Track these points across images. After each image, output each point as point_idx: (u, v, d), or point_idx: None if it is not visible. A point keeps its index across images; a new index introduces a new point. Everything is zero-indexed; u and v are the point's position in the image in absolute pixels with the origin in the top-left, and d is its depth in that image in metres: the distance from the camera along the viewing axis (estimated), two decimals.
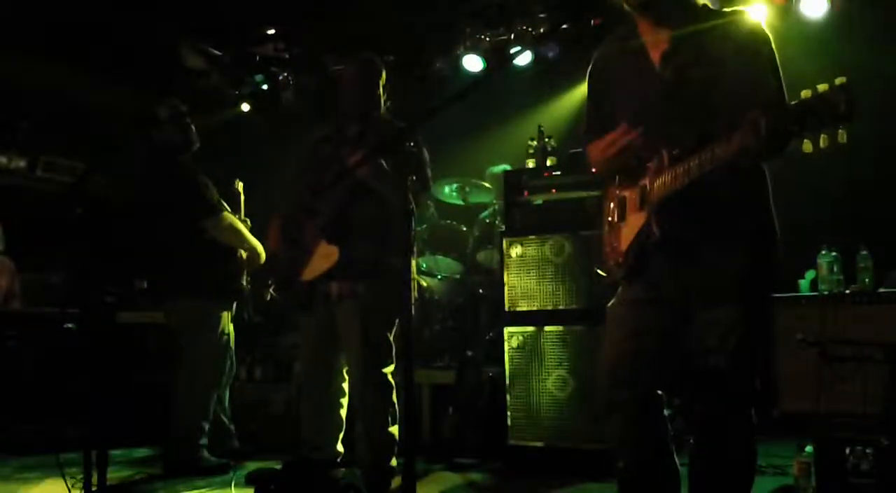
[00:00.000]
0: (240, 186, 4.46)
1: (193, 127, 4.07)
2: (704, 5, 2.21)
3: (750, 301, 2.11)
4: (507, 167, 5.02)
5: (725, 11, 2.20)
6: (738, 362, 2.10)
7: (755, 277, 2.12)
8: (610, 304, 2.33)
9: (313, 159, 3.44)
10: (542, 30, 5.70)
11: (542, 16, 5.68)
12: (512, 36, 5.80)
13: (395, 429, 3.28)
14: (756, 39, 2.11)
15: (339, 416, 3.43)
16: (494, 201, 5.52)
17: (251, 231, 4.13)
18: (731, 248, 2.09)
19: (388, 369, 3.28)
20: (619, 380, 2.21)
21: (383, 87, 3.42)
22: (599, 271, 2.37)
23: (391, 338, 3.31)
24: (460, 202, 5.74)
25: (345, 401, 3.44)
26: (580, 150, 4.21)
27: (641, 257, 2.19)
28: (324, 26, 6.13)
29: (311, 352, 3.44)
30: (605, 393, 2.25)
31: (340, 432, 3.44)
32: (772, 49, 2.10)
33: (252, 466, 3.95)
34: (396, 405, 3.30)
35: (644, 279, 2.21)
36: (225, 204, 4.03)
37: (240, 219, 4.25)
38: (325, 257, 3.24)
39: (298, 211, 3.37)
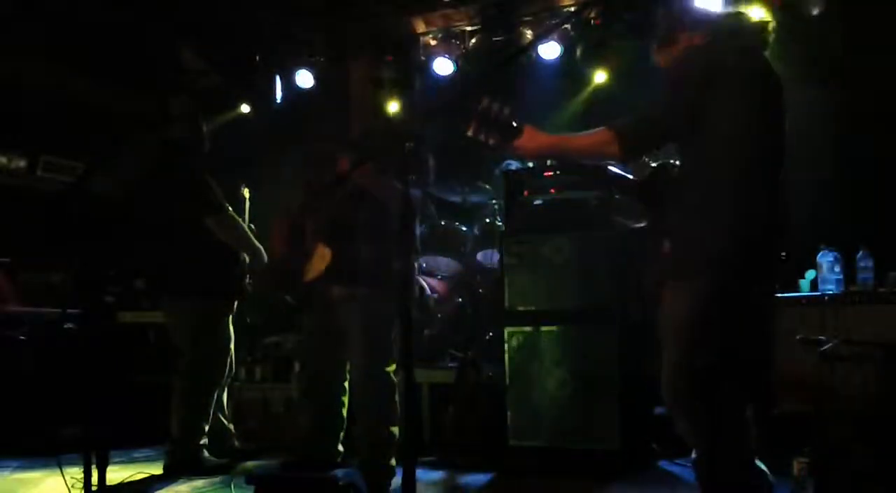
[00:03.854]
0: (245, 192, 4.47)
1: (204, 127, 4.09)
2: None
3: (698, 302, 2.18)
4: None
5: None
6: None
7: (706, 281, 2.18)
8: None
9: (315, 160, 3.46)
10: (541, 30, 5.69)
11: (542, 15, 5.67)
12: (512, 36, 5.79)
13: (395, 429, 3.29)
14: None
15: (342, 415, 3.45)
16: (494, 201, 5.53)
17: (255, 237, 4.13)
18: (686, 248, 2.25)
19: (390, 369, 3.29)
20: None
21: (386, 88, 3.45)
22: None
23: (392, 337, 3.32)
24: (460, 202, 5.74)
25: (346, 400, 3.46)
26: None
27: None
28: (324, 26, 6.14)
29: (313, 352, 3.45)
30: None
31: (342, 431, 3.45)
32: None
33: (252, 466, 3.96)
34: (397, 406, 3.31)
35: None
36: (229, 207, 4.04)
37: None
38: (321, 258, 3.27)
39: (301, 212, 3.39)
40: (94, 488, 2.67)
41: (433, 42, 5.99)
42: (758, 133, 2.22)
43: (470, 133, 2.28)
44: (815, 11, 4.96)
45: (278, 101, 6.37)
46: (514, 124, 2.28)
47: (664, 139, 2.34)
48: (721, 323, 2.15)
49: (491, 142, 2.25)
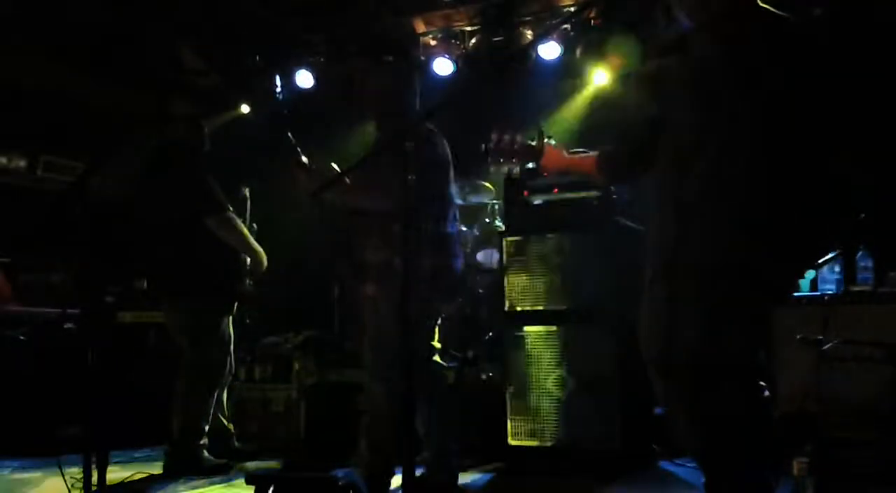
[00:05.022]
0: (246, 192, 4.48)
1: (204, 127, 4.10)
2: None
3: None
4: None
5: None
6: None
7: None
8: None
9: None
10: (541, 30, 5.69)
11: (542, 15, 5.68)
12: (512, 36, 5.79)
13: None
14: None
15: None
16: (495, 201, 5.53)
17: (256, 237, 4.13)
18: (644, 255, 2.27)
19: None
20: None
21: (408, 85, 3.40)
22: None
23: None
24: (460, 202, 5.74)
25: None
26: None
27: None
28: (324, 26, 6.14)
29: None
30: None
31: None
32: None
33: (252, 466, 3.96)
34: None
35: None
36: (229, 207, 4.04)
37: (246, 225, 4.25)
38: None
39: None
40: (94, 488, 2.67)
41: (433, 42, 6.00)
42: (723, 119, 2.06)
43: (492, 168, 2.40)
44: (817, 12, 4.96)
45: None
46: (534, 145, 2.41)
47: (632, 163, 2.27)
48: (675, 329, 2.08)
49: (515, 165, 2.34)
